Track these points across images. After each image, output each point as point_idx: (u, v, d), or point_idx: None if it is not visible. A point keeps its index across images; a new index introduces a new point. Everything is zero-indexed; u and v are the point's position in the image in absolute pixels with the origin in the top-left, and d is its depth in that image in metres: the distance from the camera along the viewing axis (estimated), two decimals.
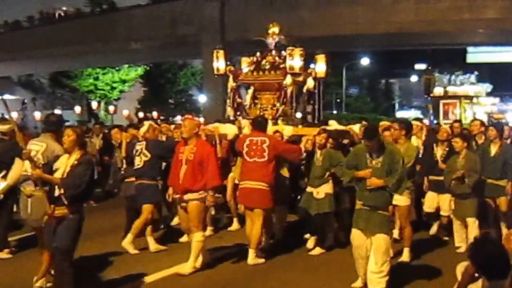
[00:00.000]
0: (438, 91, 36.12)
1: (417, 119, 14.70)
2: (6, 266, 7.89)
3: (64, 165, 6.01)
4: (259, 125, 8.69)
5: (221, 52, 11.65)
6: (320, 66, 11.59)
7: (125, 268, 7.86)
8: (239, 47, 11.70)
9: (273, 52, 11.38)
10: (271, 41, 11.42)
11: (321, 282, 7.48)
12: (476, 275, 4.46)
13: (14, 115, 35.52)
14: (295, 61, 10.76)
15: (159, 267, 7.80)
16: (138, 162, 8.90)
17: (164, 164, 9.45)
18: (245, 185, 8.34)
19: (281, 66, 11.07)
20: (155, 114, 36.60)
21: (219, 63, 11.65)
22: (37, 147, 7.24)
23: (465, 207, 8.82)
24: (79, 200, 6.02)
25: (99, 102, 39.06)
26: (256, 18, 22.53)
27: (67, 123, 17.77)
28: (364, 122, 9.87)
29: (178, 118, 32.84)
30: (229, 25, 27.78)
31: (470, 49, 38.78)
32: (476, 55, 39.84)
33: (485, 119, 32.53)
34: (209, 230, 9.81)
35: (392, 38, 27.84)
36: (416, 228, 9.91)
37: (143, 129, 9.21)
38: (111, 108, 37.73)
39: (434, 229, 9.98)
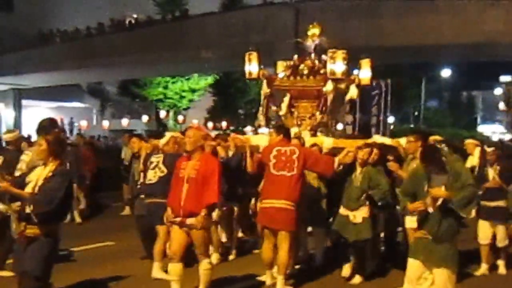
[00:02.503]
0: None
1: (471, 137, 13.99)
2: None
3: (36, 177, 5.39)
4: (286, 133, 8.03)
5: (254, 54, 10.83)
6: (364, 72, 10.69)
7: None
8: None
9: (312, 56, 10.59)
10: (310, 44, 10.67)
11: None
12: None
13: (84, 123, 36.25)
14: (337, 65, 9.96)
15: None
16: (152, 176, 8.33)
17: None
18: (269, 204, 7.62)
19: (321, 71, 10.29)
20: (224, 124, 36.57)
21: (252, 67, 10.82)
22: (26, 157, 6.98)
23: None
24: (52, 218, 5.38)
25: (167, 111, 39.12)
26: (332, 27, 21.91)
27: (134, 132, 17.55)
28: (410, 137, 9.12)
29: (248, 129, 32.65)
30: (304, 33, 27.35)
31: None
32: None
33: None
34: (215, 258, 9.15)
35: (478, 49, 26.80)
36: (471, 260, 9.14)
37: (162, 141, 8.68)
38: (180, 118, 37.98)
39: (484, 267, 8.90)
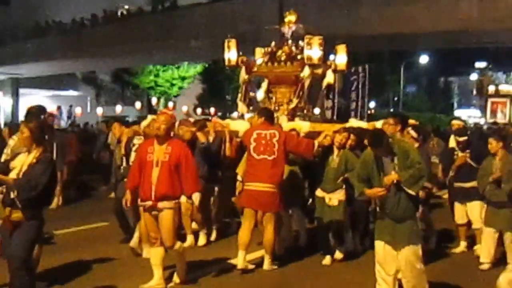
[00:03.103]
0: (491, 89, 34.64)
1: (457, 118, 13.81)
2: None
3: (21, 163, 5.30)
4: (268, 116, 7.73)
5: (233, 41, 10.51)
6: (340, 58, 10.44)
7: (116, 277, 7.20)
8: None
9: (290, 42, 10.28)
10: (287, 31, 10.36)
11: None
12: None
13: (78, 110, 36.03)
14: (313, 50, 9.65)
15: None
16: (134, 158, 7.93)
17: None
18: (252, 187, 7.42)
19: (298, 57, 9.99)
20: (212, 110, 36.38)
21: (231, 54, 10.47)
22: (12, 141, 6.72)
23: (500, 218, 7.64)
24: (35, 204, 5.26)
25: (158, 98, 38.96)
26: (314, 16, 21.80)
27: (127, 119, 17.01)
28: (390, 119, 8.88)
29: (234, 115, 32.48)
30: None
31: None
32: None
33: None
34: (203, 238, 9.07)
35: (454, 36, 26.64)
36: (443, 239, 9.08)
37: (144, 123, 8.37)
38: (170, 104, 37.68)
39: (462, 245, 8.82)
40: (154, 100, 38.51)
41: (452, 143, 9.71)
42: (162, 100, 39.12)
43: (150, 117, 8.52)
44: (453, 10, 24.14)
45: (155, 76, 38.51)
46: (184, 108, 34.37)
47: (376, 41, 27.45)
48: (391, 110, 47.64)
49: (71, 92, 43.01)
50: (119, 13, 37.38)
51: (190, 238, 8.81)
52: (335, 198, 7.93)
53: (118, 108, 36.37)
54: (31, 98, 41.99)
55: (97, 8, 37.23)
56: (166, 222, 6.53)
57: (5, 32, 35.41)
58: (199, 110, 36.82)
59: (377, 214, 6.15)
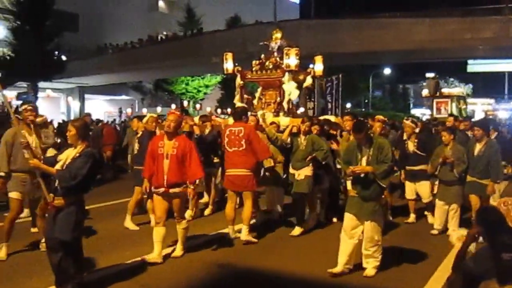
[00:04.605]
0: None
1: (408, 118, 13.14)
2: None
3: (66, 156, 4.77)
4: (236, 115, 7.32)
5: (230, 54, 10.23)
6: (318, 66, 10.12)
7: (123, 246, 6.69)
8: None
9: (275, 54, 10.07)
10: (274, 45, 10.15)
11: (300, 263, 6.19)
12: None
13: (129, 110, 36.16)
14: (291, 59, 9.42)
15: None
16: (136, 148, 7.83)
17: None
18: (229, 172, 7.02)
19: (282, 66, 9.72)
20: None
21: (228, 64, 10.16)
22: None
23: (451, 193, 7.45)
24: (75, 191, 4.71)
25: (188, 101, 38.76)
26: (305, 39, 21.73)
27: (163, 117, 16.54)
28: (347, 117, 8.13)
29: None
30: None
31: (470, 61, 36.55)
32: (475, 66, 37.40)
33: (481, 116, 30.88)
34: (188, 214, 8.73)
35: (409, 54, 26.57)
36: (398, 214, 8.65)
37: (144, 120, 7.98)
38: (197, 106, 37.78)
39: (412, 217, 8.41)
40: (185, 103, 38.48)
41: (405, 136, 9.49)
42: (191, 102, 38.91)
43: (148, 115, 8.23)
44: (409, 34, 24.10)
45: (186, 84, 38.22)
46: (208, 109, 34.25)
47: (351, 57, 27.30)
48: (363, 109, 47.43)
49: (123, 97, 43.05)
50: (159, 38, 37.39)
51: (189, 212, 8.35)
52: (303, 173, 7.49)
53: (158, 109, 36.43)
54: (93, 102, 42.24)
55: (143, 34, 37.52)
56: (177, 202, 6.18)
57: (74, 52, 35.43)
58: (219, 110, 36.70)
59: (348, 192, 5.85)
